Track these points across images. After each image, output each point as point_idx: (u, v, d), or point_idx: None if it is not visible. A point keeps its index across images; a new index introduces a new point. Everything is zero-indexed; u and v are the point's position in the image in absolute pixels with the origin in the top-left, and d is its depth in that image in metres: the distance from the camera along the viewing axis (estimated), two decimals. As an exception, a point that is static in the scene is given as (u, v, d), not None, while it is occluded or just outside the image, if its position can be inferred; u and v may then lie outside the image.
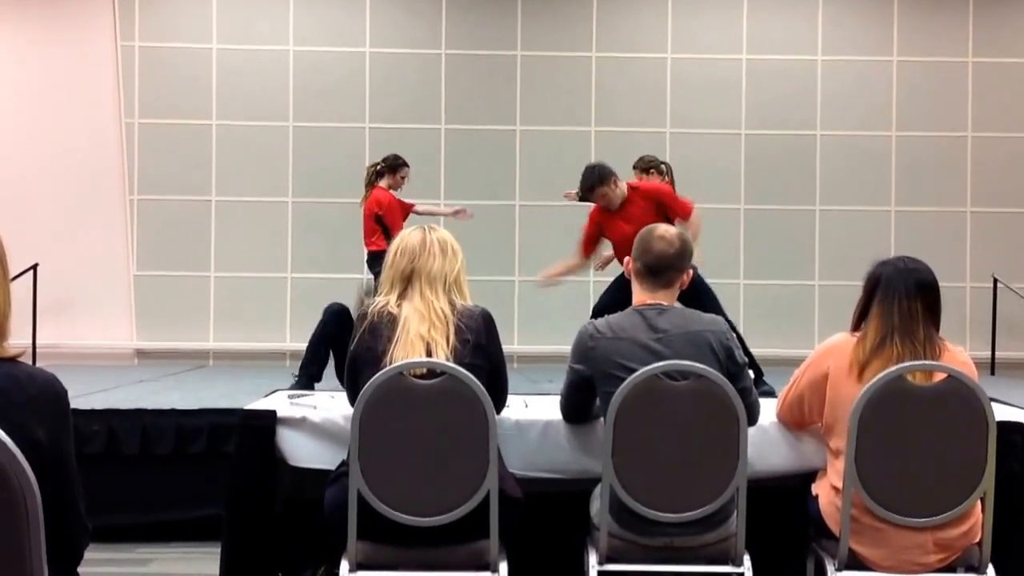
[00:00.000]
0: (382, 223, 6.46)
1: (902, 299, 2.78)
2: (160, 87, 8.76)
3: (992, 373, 8.15)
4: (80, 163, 8.73)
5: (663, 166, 6.67)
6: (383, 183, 6.63)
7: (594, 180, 5.52)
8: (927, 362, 2.71)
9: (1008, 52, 8.98)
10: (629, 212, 5.57)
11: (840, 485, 2.73)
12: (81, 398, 5.10)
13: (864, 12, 9.05)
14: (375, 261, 6.22)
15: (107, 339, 8.67)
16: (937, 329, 2.82)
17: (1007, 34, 9.01)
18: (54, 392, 1.89)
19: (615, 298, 5.54)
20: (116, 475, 4.60)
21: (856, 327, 2.88)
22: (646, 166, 6.65)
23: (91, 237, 8.69)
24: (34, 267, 8.10)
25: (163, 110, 8.75)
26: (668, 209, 5.62)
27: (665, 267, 2.91)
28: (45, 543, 1.67)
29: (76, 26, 8.80)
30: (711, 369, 2.69)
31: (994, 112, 8.91)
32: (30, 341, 8.15)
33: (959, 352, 2.82)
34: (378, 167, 6.70)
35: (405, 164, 6.71)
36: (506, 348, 3.05)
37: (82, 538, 1.93)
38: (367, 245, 6.65)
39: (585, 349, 2.88)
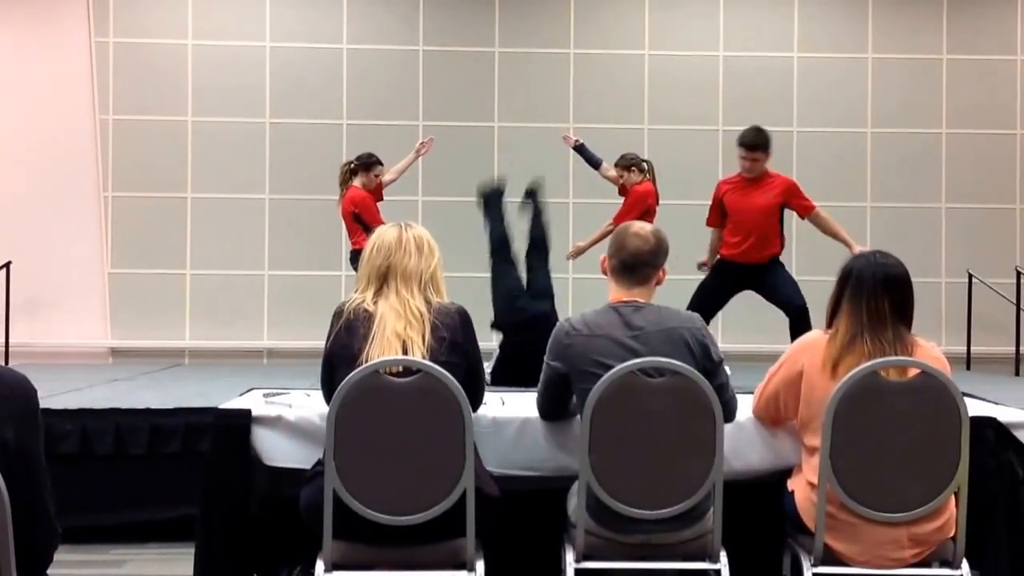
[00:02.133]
0: (360, 221, 6.43)
1: (870, 298, 2.79)
2: (135, 83, 8.69)
3: (968, 368, 8.22)
4: (54, 160, 8.64)
5: (644, 164, 6.69)
6: (357, 182, 6.60)
7: (761, 140, 5.75)
8: (901, 358, 2.73)
9: (981, 49, 9.06)
10: (764, 188, 5.78)
11: (815, 481, 2.74)
12: (54, 397, 5.05)
13: (840, 9, 9.11)
14: (357, 259, 6.20)
15: (81, 338, 8.59)
16: (908, 325, 2.83)
17: (980, 31, 9.09)
18: (23, 392, 1.87)
19: (714, 287, 5.82)
20: (90, 475, 4.54)
21: (830, 322, 2.90)
22: (627, 164, 6.67)
23: (65, 234, 8.61)
24: (7, 265, 8.03)
25: (138, 106, 8.67)
26: (795, 204, 5.84)
27: (640, 264, 2.91)
28: (13, 545, 1.65)
29: (50, 22, 8.71)
30: (687, 366, 2.70)
31: (968, 109, 8.99)
32: (2, 340, 8.08)
33: (931, 348, 2.84)
34: (352, 165, 6.67)
35: (379, 162, 6.68)
36: (484, 346, 3.04)
37: (51, 540, 1.91)
38: (351, 244, 6.63)
39: (561, 346, 2.88)
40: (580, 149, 7.07)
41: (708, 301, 5.75)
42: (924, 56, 9.02)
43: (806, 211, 5.90)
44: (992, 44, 9.08)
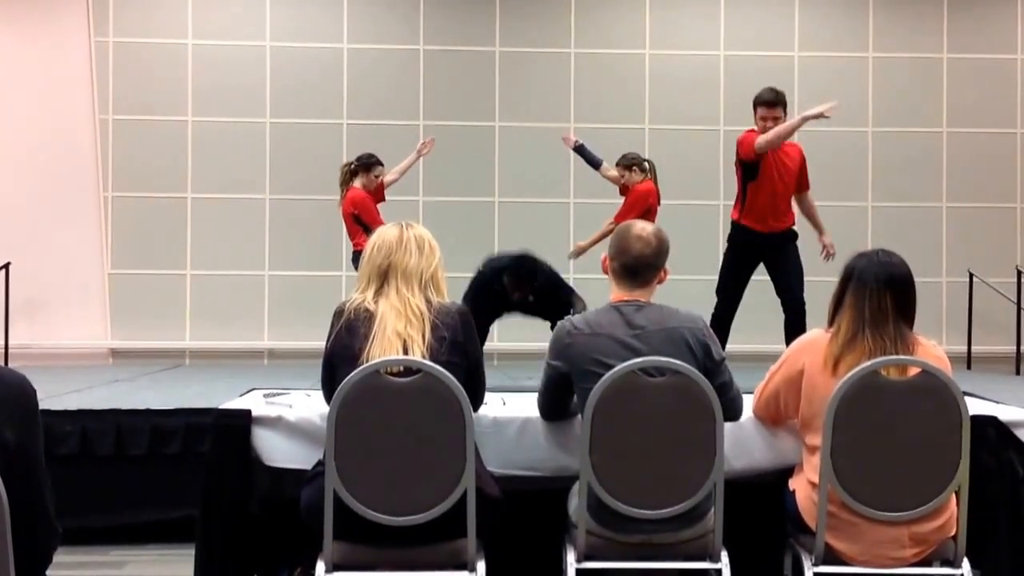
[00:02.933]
0: (360, 222, 6.43)
1: (872, 295, 2.79)
2: (135, 83, 8.69)
3: (968, 367, 8.22)
4: (54, 160, 8.64)
5: (646, 163, 6.69)
6: (357, 183, 6.59)
7: (780, 97, 5.64)
8: (902, 356, 2.73)
9: (982, 49, 9.06)
10: (785, 151, 5.71)
11: (816, 480, 2.74)
12: (55, 398, 5.05)
13: (840, 9, 9.11)
14: (359, 260, 6.17)
15: (81, 339, 8.59)
16: (910, 324, 2.83)
17: (981, 31, 9.09)
18: (23, 393, 1.87)
19: (736, 262, 5.79)
20: (90, 476, 4.54)
21: (832, 319, 2.89)
22: (629, 163, 6.67)
23: (65, 235, 8.61)
24: (6, 266, 8.02)
25: (138, 106, 8.67)
26: (803, 176, 5.81)
27: (643, 267, 2.90)
28: (12, 546, 1.65)
29: (50, 22, 8.72)
30: (687, 365, 2.69)
31: (969, 108, 9.00)
32: (2, 341, 8.08)
33: (933, 346, 2.83)
34: (352, 166, 6.66)
35: (379, 163, 6.67)
36: (485, 345, 3.03)
37: (51, 540, 1.91)
38: (353, 245, 6.62)
39: (562, 346, 2.87)
40: (580, 150, 7.07)
41: (733, 279, 5.76)
42: (924, 55, 9.02)
43: (807, 186, 5.84)
44: (992, 43, 9.08)
